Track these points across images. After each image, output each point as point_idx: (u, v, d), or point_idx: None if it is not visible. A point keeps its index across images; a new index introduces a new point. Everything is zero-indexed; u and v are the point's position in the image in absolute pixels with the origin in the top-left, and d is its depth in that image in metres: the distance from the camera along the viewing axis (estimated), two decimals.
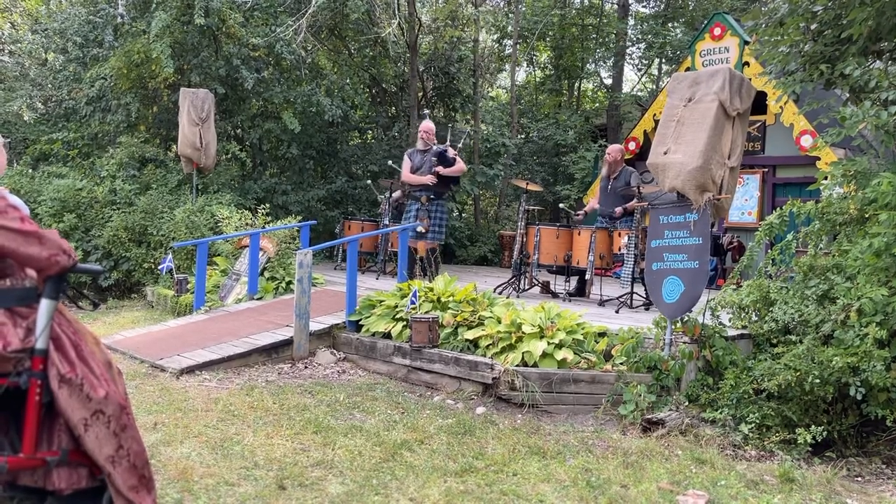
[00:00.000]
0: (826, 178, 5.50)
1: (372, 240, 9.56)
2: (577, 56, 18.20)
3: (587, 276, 7.54)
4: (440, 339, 5.65)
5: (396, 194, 9.38)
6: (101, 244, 9.71)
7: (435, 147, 7.85)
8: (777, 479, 3.87)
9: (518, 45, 16.61)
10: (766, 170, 10.92)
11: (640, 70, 20.27)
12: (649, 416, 4.59)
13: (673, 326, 5.09)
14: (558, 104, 19.17)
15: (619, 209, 7.70)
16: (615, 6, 18.21)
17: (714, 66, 8.76)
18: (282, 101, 11.83)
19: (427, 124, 8.06)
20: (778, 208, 5.68)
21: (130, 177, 10.61)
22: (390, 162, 10.49)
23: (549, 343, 5.16)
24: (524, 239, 7.77)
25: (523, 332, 5.29)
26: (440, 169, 7.69)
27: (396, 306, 6.20)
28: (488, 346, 5.38)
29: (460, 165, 7.83)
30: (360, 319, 6.36)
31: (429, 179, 7.71)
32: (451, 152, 7.79)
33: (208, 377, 5.45)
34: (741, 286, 5.61)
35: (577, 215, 8.46)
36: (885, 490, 3.92)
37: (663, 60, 18.62)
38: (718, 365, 4.97)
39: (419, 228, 7.49)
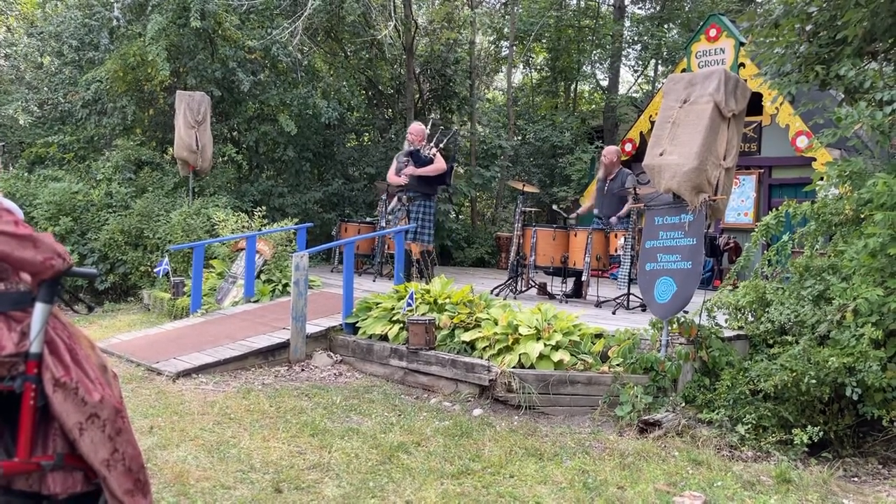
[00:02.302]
0: (822, 179, 5.51)
1: (369, 242, 9.56)
2: (573, 58, 18.22)
3: (583, 278, 7.54)
4: (437, 341, 5.64)
5: (395, 201, 9.40)
6: (98, 247, 9.69)
7: (411, 147, 7.88)
8: (773, 479, 3.87)
9: (514, 47, 16.63)
10: (762, 170, 10.94)
11: (636, 71, 20.30)
12: (646, 418, 4.59)
13: (670, 327, 5.09)
14: (555, 106, 19.20)
15: (613, 218, 7.70)
16: (611, 8, 18.23)
17: (709, 68, 8.77)
18: (278, 104, 11.82)
19: (414, 126, 8.09)
20: (774, 209, 5.69)
21: (126, 180, 10.59)
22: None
23: (545, 345, 5.16)
24: (521, 240, 7.77)
25: (520, 334, 5.29)
26: (411, 169, 7.70)
27: (393, 308, 6.20)
28: (485, 347, 5.37)
29: (436, 165, 7.76)
30: (357, 322, 6.36)
31: (401, 180, 7.77)
32: (429, 152, 7.77)
33: (205, 380, 5.44)
34: (738, 287, 5.61)
35: (571, 218, 8.46)
36: (881, 490, 3.93)
37: (659, 62, 18.65)
38: (715, 366, 4.97)
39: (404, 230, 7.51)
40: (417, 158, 7.73)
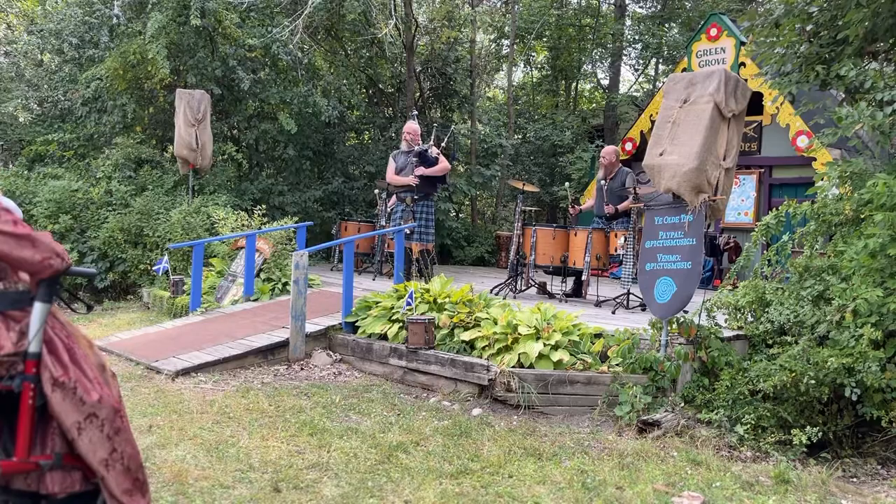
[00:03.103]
0: (823, 179, 5.50)
1: (368, 241, 9.55)
2: (573, 56, 18.22)
3: (583, 277, 7.54)
4: (436, 341, 5.64)
5: (394, 199, 9.39)
6: (97, 245, 9.69)
7: (416, 147, 7.85)
8: (772, 480, 3.87)
9: (515, 46, 16.62)
10: (763, 170, 10.94)
11: (636, 70, 20.30)
12: (645, 418, 4.59)
13: (669, 327, 5.09)
14: (555, 104, 19.20)
15: (610, 207, 7.68)
16: (612, 7, 18.23)
17: (710, 67, 8.76)
18: (278, 102, 11.82)
19: (410, 125, 8.07)
20: (774, 209, 5.68)
21: (126, 178, 10.59)
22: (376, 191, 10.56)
23: (545, 344, 5.15)
24: (521, 240, 7.77)
25: (519, 334, 5.29)
26: (421, 169, 7.70)
27: (393, 308, 6.20)
28: (484, 347, 5.37)
29: (443, 164, 7.82)
30: (357, 321, 6.36)
31: (411, 180, 7.74)
32: (433, 151, 7.79)
33: (204, 379, 5.44)
34: (737, 287, 5.61)
35: (574, 208, 8.45)
36: (880, 491, 3.93)
37: (660, 61, 18.65)
38: (714, 366, 4.97)
39: (405, 230, 7.50)
40: (425, 159, 7.73)
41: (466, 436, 4.39)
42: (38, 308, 2.32)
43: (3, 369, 2.27)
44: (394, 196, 9.38)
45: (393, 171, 8.06)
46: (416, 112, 9.81)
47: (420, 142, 7.97)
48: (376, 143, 14.62)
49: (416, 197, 7.76)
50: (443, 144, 8.04)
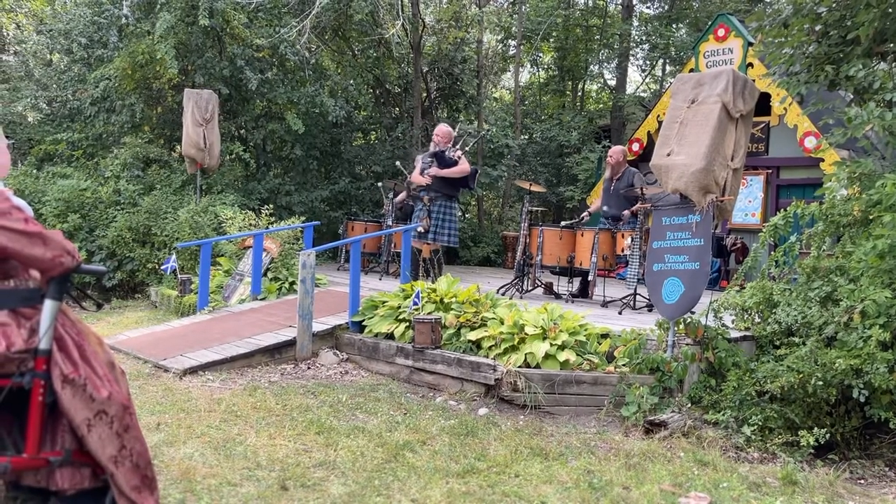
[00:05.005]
0: (831, 180, 5.48)
1: (375, 240, 9.57)
2: (580, 57, 18.20)
3: (590, 278, 7.54)
4: (443, 340, 5.65)
5: (401, 196, 9.39)
6: (106, 244, 9.74)
7: (437, 148, 7.86)
8: (779, 481, 3.86)
9: (522, 46, 16.61)
10: (770, 171, 10.91)
11: (643, 71, 20.26)
12: (652, 418, 4.58)
13: (676, 328, 5.08)
14: (562, 105, 19.18)
15: (626, 213, 7.68)
16: (619, 7, 18.20)
17: (718, 68, 8.75)
18: (285, 102, 11.85)
19: (441, 128, 8.06)
20: (782, 209, 5.67)
21: (134, 177, 10.64)
22: (397, 162, 10.46)
23: (551, 344, 5.15)
24: (527, 240, 7.77)
25: (526, 334, 5.29)
26: (434, 169, 7.70)
27: (399, 307, 6.21)
28: (491, 347, 5.37)
29: (462, 167, 7.78)
30: (363, 320, 6.37)
31: (424, 180, 7.75)
32: (454, 153, 7.78)
33: (211, 377, 5.46)
34: (744, 288, 5.59)
35: (582, 218, 8.45)
36: (888, 493, 3.91)
37: (667, 61, 18.62)
38: (721, 367, 4.96)
39: (419, 228, 7.48)
40: (441, 159, 7.74)
41: (473, 435, 4.39)
42: (48, 305, 2.33)
43: (13, 366, 2.29)
44: (401, 196, 9.40)
45: (417, 172, 8.08)
46: (449, 121, 9.76)
47: (449, 144, 7.96)
48: (383, 144, 14.65)
49: (431, 196, 7.75)
50: (466, 148, 8.04)
